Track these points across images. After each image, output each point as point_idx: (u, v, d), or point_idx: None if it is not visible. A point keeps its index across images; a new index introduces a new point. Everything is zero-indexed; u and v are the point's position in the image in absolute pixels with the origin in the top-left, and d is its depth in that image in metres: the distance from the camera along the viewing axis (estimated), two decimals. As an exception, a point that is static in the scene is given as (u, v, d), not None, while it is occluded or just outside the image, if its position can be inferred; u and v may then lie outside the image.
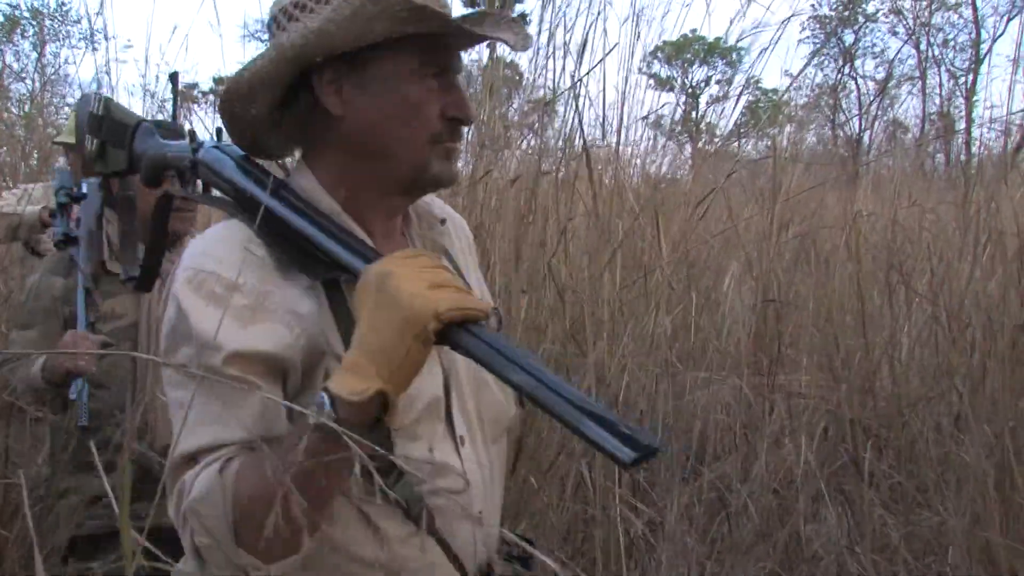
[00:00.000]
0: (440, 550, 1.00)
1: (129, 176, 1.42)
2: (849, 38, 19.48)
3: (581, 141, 2.92)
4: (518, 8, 8.95)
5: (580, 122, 2.88)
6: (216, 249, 1.00)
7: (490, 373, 0.85)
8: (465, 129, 1.11)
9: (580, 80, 2.89)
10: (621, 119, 3.18)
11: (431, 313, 0.83)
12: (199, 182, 1.12)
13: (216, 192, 1.11)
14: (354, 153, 1.04)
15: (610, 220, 2.96)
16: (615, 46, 3.08)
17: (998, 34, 14.14)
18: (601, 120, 3.26)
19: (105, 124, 1.20)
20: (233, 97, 1.03)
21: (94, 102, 1.20)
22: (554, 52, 2.95)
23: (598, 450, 0.79)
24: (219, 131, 1.12)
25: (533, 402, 0.82)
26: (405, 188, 1.06)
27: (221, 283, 0.96)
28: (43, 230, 3.29)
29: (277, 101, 1.03)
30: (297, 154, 1.12)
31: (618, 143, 3.26)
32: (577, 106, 2.87)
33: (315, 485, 0.83)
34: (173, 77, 1.58)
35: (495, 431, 1.13)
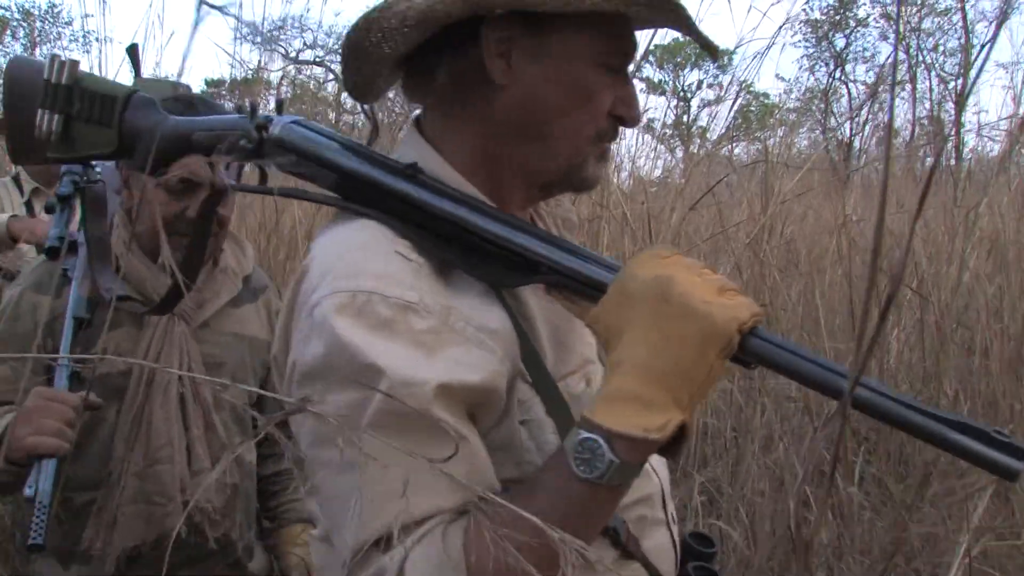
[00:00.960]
0: (642, 567, 0.87)
1: (90, 164, 1.20)
2: (840, 42, 19.57)
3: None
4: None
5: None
6: (363, 260, 0.78)
7: (805, 386, 0.73)
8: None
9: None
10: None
11: (736, 324, 0.70)
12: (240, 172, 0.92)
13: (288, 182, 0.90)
14: (506, 132, 0.86)
15: (600, 224, 2.96)
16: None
17: (986, 40, 14.23)
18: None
19: (75, 95, 0.92)
20: (374, 28, 0.83)
21: (50, 68, 0.91)
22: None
23: (978, 464, 0.68)
24: (279, 104, 0.92)
25: (880, 418, 0.70)
26: (550, 183, 0.89)
27: (388, 304, 0.75)
28: (12, 246, 2.60)
29: (419, 43, 0.84)
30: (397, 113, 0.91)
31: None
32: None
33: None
34: (132, 50, 1.30)
35: None
